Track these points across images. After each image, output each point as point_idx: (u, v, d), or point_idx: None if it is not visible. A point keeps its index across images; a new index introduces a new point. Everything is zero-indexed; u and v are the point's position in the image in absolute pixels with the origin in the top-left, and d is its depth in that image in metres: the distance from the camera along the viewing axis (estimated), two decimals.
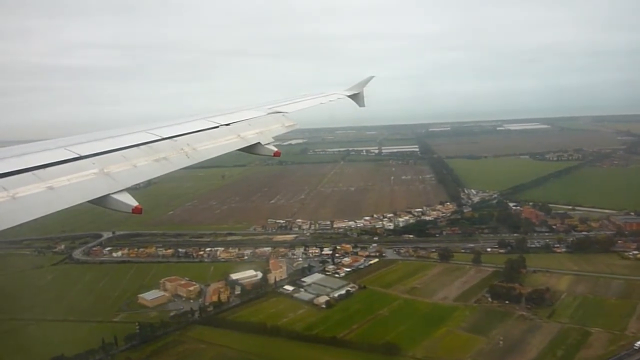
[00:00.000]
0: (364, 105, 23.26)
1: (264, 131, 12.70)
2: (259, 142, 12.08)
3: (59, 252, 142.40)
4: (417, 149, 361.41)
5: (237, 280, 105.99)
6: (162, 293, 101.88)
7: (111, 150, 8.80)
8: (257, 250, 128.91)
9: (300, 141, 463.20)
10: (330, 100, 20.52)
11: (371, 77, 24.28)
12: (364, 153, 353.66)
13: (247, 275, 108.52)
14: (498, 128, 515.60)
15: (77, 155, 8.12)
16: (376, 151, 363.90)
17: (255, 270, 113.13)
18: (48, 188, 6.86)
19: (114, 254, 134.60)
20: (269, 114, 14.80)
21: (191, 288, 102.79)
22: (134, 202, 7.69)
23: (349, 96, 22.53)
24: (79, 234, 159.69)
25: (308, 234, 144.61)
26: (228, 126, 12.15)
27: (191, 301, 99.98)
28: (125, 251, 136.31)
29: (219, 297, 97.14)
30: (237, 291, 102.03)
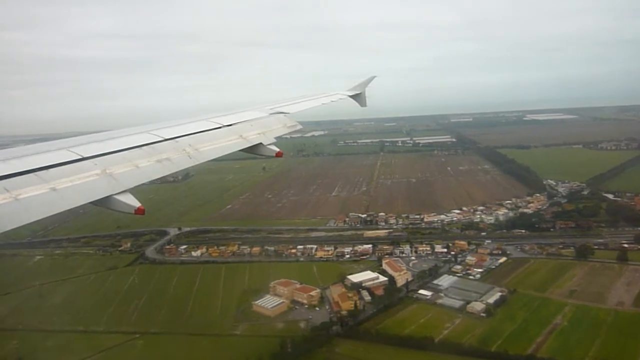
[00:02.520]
0: (365, 105, 23.02)
1: (265, 132, 12.29)
2: (260, 143, 11.64)
3: (126, 251, 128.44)
4: (452, 139, 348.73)
5: (360, 283, 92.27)
6: (280, 299, 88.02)
7: (113, 152, 8.49)
8: (357, 248, 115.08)
9: (321, 133, 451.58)
10: (332, 101, 20.12)
11: (373, 77, 23.95)
12: (400, 144, 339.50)
13: (368, 277, 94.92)
14: (524, 118, 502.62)
15: (80, 157, 7.89)
16: (410, 142, 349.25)
17: (372, 271, 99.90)
18: (51, 189, 6.68)
19: (193, 253, 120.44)
20: (270, 114, 14.24)
21: (312, 293, 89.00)
22: (136, 203, 7.51)
23: (351, 96, 22.23)
24: (138, 230, 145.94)
25: (400, 229, 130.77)
26: (230, 127, 11.79)
27: (317, 309, 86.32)
28: (204, 250, 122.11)
29: (355, 305, 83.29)
30: (366, 296, 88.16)
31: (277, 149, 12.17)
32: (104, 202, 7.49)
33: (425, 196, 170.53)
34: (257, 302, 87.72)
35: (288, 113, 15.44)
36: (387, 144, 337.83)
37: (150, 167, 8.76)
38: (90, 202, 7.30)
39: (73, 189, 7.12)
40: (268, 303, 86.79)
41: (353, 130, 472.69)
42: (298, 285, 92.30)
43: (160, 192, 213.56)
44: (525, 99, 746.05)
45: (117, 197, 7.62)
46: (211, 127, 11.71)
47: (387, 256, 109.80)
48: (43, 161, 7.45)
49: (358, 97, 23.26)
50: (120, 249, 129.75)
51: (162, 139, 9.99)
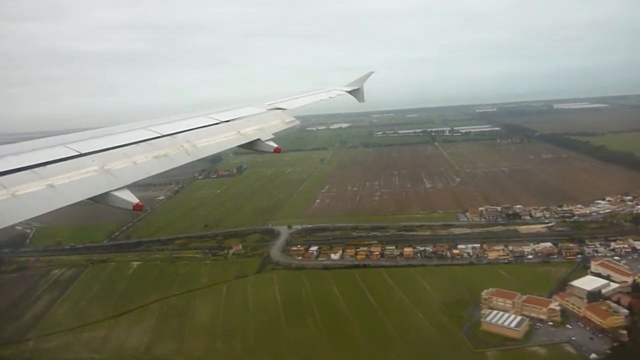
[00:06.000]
0: (363, 101, 23.33)
1: (263, 128, 12.37)
2: (258, 139, 11.63)
3: (240, 254, 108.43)
4: (495, 128, 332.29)
5: (597, 291, 73.73)
6: (517, 316, 69.00)
7: (111, 148, 8.48)
8: (535, 248, 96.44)
9: (345, 125, 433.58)
10: (330, 97, 20.11)
11: (371, 73, 24.38)
12: (448, 133, 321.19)
13: (600, 284, 76.45)
14: (554, 107, 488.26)
15: (77, 153, 7.85)
16: (460, 132, 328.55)
17: (574, 274, 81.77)
18: (48, 186, 6.67)
19: (332, 256, 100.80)
20: (268, 110, 14.30)
21: (553, 307, 70.24)
22: (134, 199, 7.34)
23: (349, 92, 22.46)
24: (237, 229, 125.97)
25: (558, 223, 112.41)
26: (228, 123, 11.84)
27: (568, 327, 67.59)
28: (340, 251, 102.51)
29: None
30: (619, 309, 69.54)
31: (275, 145, 11.68)
32: (102, 199, 7.21)
33: (541, 186, 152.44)
34: (487, 320, 68.55)
35: (286, 109, 14.82)
36: (434, 133, 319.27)
37: (148, 163, 8.49)
38: (89, 199, 7.06)
39: (71, 185, 6.92)
40: (502, 320, 67.71)
41: (377, 122, 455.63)
42: (524, 297, 73.25)
43: (223, 185, 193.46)
44: (538, 89, 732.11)
45: (115, 193, 7.27)
46: (209, 123, 11.36)
47: (582, 256, 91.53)
48: (40, 157, 7.25)
49: (356, 93, 22.90)
50: (232, 251, 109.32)
51: (160, 135, 9.64)
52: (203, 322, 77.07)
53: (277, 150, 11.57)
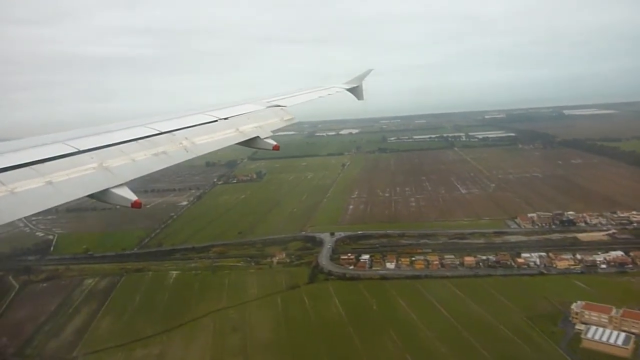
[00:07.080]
0: (362, 99, 22.68)
1: (262, 125, 12.30)
2: (257, 136, 11.55)
3: (286, 263, 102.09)
4: (510, 134, 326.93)
5: None
6: (620, 332, 62.91)
7: (110, 145, 8.44)
8: (607, 257, 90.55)
9: (355, 131, 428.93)
10: (329, 94, 19.76)
11: (370, 70, 23.84)
12: (464, 139, 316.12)
13: None
14: (564, 113, 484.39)
15: (76, 150, 7.84)
16: (477, 137, 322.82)
17: None
18: (47, 182, 6.68)
19: (388, 265, 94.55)
20: (267, 107, 14.21)
21: None
22: (133, 197, 7.35)
23: (348, 89, 21.93)
24: (276, 237, 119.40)
25: (619, 230, 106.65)
26: (227, 120, 11.79)
27: None
28: (394, 260, 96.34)
29: None
30: None
31: (274, 142, 11.51)
32: (101, 196, 7.26)
33: (582, 192, 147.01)
34: (588, 336, 62.40)
35: (285, 106, 14.64)
36: (451, 139, 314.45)
37: (147, 161, 8.49)
38: (87, 196, 7.09)
39: (69, 182, 6.95)
40: (606, 336, 61.66)
41: (386, 128, 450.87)
42: (621, 311, 67.20)
43: (246, 191, 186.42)
44: (543, 95, 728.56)
45: (114, 190, 7.30)
46: (207, 121, 11.30)
47: None
48: (39, 154, 7.24)
49: (355, 91, 22.29)
50: (276, 260, 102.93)
51: (159, 132, 9.66)
52: (266, 338, 70.54)
53: (275, 148, 11.33)
